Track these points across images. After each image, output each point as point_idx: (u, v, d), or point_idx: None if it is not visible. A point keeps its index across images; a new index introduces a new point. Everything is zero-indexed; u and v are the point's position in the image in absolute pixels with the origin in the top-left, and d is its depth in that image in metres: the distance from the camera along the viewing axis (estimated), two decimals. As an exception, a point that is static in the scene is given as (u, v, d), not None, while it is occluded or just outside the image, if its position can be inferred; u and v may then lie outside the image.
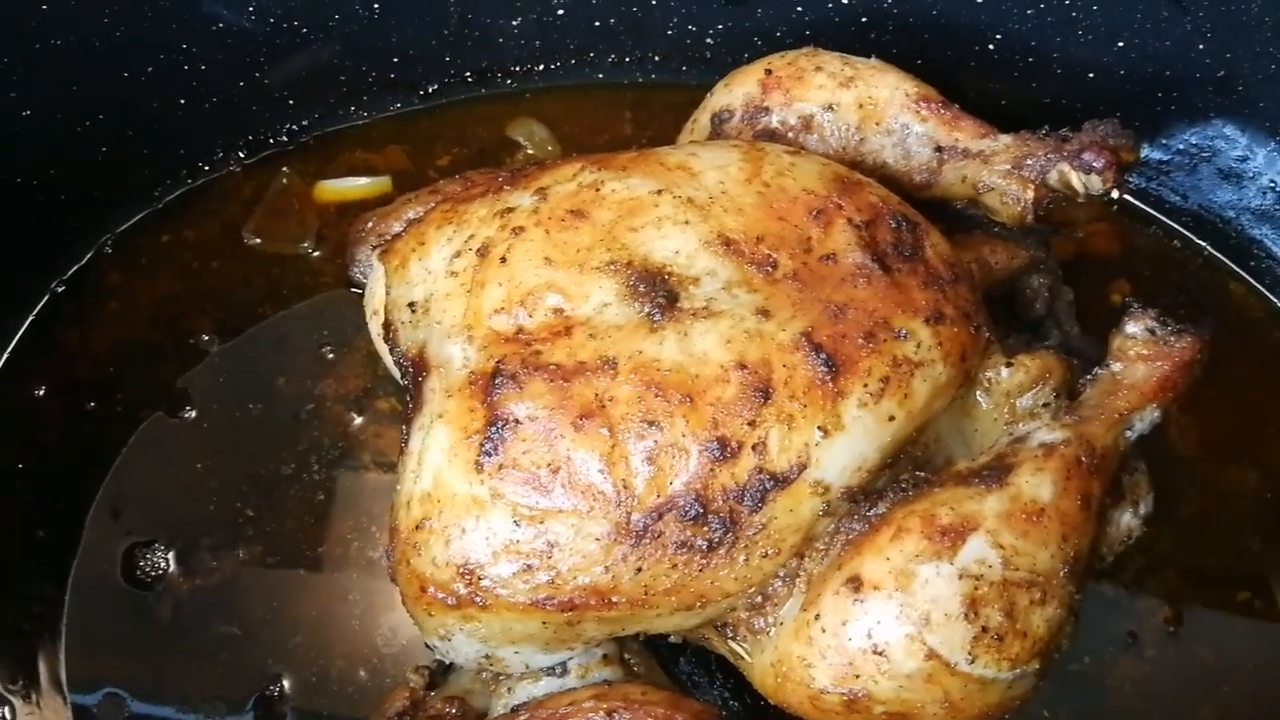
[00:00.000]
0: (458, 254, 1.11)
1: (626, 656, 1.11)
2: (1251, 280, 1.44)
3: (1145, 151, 1.45)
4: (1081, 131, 1.18)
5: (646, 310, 1.03)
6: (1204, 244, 1.47)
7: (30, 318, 1.36)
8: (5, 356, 1.34)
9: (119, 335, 1.37)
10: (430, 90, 1.52)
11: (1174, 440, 1.35)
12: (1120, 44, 1.35)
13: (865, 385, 1.00)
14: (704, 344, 1.01)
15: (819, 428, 0.99)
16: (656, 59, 1.55)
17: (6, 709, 1.16)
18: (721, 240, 1.07)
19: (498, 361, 1.02)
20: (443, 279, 1.10)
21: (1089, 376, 1.13)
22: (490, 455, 0.99)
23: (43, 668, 1.19)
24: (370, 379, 1.33)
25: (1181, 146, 1.42)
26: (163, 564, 1.24)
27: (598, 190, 1.10)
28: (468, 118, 1.53)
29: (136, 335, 1.37)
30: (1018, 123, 1.25)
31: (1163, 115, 1.40)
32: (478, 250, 1.09)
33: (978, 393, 1.12)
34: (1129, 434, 1.09)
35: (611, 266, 1.05)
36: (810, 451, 0.98)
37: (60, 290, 1.38)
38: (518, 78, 1.54)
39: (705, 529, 0.98)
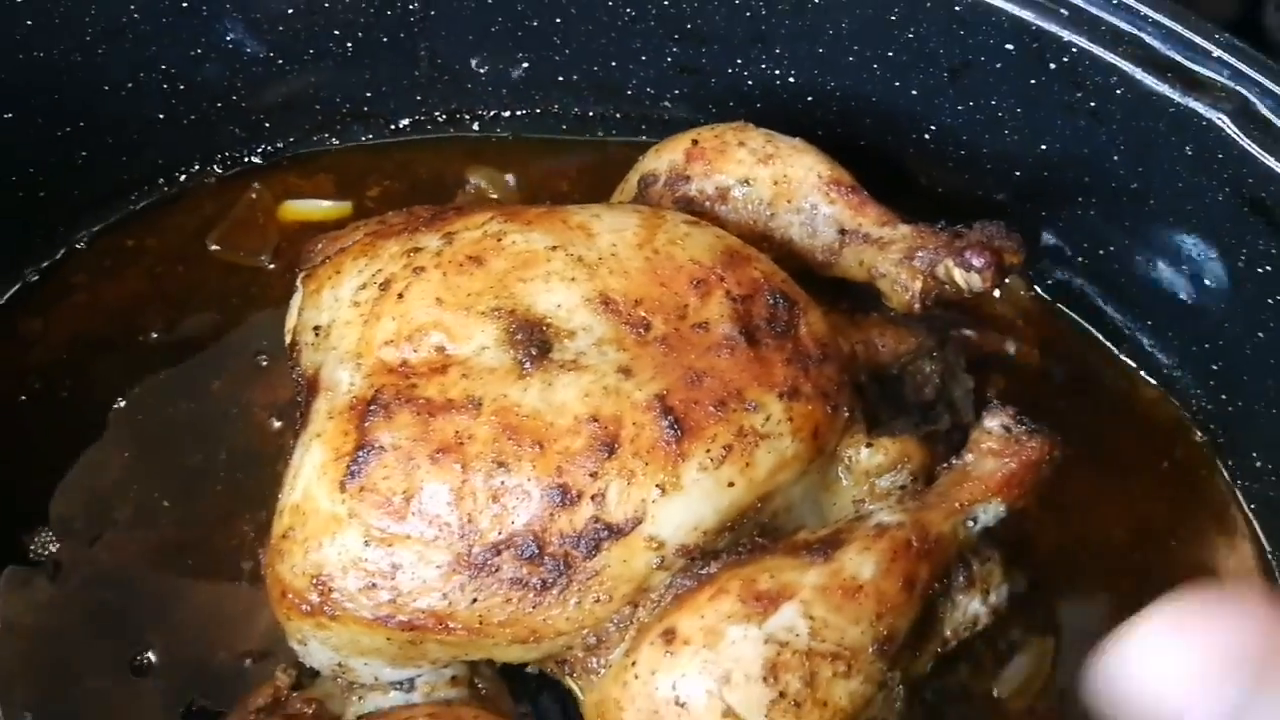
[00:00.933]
0: (363, 286, 1.19)
1: (476, 681, 1.17)
2: (1162, 389, 1.48)
3: (1073, 254, 1.50)
4: (972, 230, 1.24)
5: (520, 357, 1.10)
6: (1116, 350, 1.51)
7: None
8: (-32, 333, 1.45)
9: (77, 327, 1.47)
10: (400, 125, 1.61)
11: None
12: (1043, 147, 1.40)
13: (708, 451, 1.06)
14: (564, 395, 1.08)
15: (658, 485, 1.05)
16: (618, 117, 1.62)
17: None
18: (602, 299, 1.14)
19: (376, 390, 1.10)
20: (346, 307, 1.18)
21: (944, 465, 1.18)
22: (353, 477, 1.07)
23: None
24: (295, 391, 1.41)
25: (1101, 252, 1.47)
26: (68, 538, 1.33)
27: (499, 240, 1.18)
28: (430, 155, 1.61)
29: (93, 329, 1.46)
30: (954, 211, 1.31)
31: (1084, 219, 1.45)
32: (380, 285, 1.17)
33: (838, 469, 1.17)
34: (970, 524, 1.13)
35: (496, 313, 1.13)
36: (647, 507, 1.05)
37: (33, 279, 1.49)
38: (483, 123, 1.62)
39: (540, 568, 1.05)
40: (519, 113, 1.62)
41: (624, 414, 1.07)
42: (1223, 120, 1.23)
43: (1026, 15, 1.29)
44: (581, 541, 1.04)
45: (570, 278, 1.15)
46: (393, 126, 1.61)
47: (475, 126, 1.62)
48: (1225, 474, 1.45)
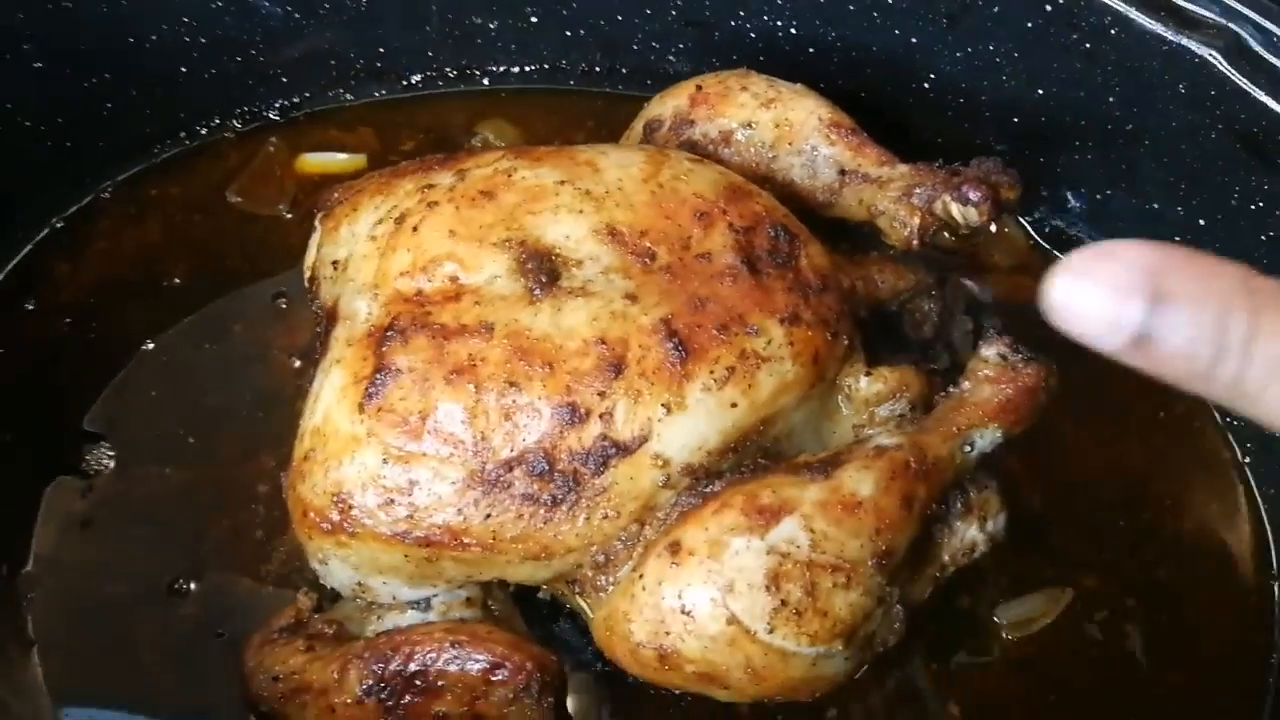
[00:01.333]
0: (379, 221, 1.23)
1: (490, 604, 1.21)
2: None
3: (1071, 201, 1.53)
4: (968, 167, 1.27)
5: (530, 285, 1.15)
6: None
7: (29, 246, 1.51)
8: (2, 276, 1.49)
9: (103, 271, 1.51)
10: (412, 81, 1.65)
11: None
12: (1040, 91, 1.43)
13: (711, 372, 1.10)
14: (573, 319, 1.12)
15: (663, 405, 1.09)
16: (624, 71, 1.66)
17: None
18: (609, 230, 1.18)
19: (393, 318, 1.14)
20: (364, 242, 1.23)
21: (942, 394, 1.22)
22: (372, 398, 1.11)
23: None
24: (314, 333, 1.46)
25: (1099, 196, 1.50)
26: (101, 468, 1.38)
27: (509, 176, 1.22)
28: (442, 109, 1.65)
29: (118, 273, 1.51)
30: (955, 160, 1.34)
31: (1080, 163, 1.48)
32: (395, 219, 1.21)
33: (839, 398, 1.21)
34: (967, 449, 1.17)
35: (507, 243, 1.17)
36: (653, 426, 1.09)
37: (59, 226, 1.54)
38: (494, 77, 1.66)
39: (551, 485, 1.09)
40: (528, 68, 1.66)
41: (630, 336, 1.11)
42: (1215, 57, 1.26)
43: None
44: (590, 458, 1.08)
45: (578, 210, 1.19)
46: (404, 82, 1.66)
47: (485, 82, 1.66)
48: (1218, 418, 1.48)
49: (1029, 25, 1.38)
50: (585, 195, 1.20)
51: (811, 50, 1.54)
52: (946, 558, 1.20)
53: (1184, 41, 1.27)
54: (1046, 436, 1.39)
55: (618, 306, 1.12)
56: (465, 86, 1.66)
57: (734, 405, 1.10)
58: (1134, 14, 1.29)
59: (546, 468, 1.08)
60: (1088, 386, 1.43)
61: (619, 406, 1.08)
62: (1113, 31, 1.32)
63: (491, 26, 1.60)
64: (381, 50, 1.62)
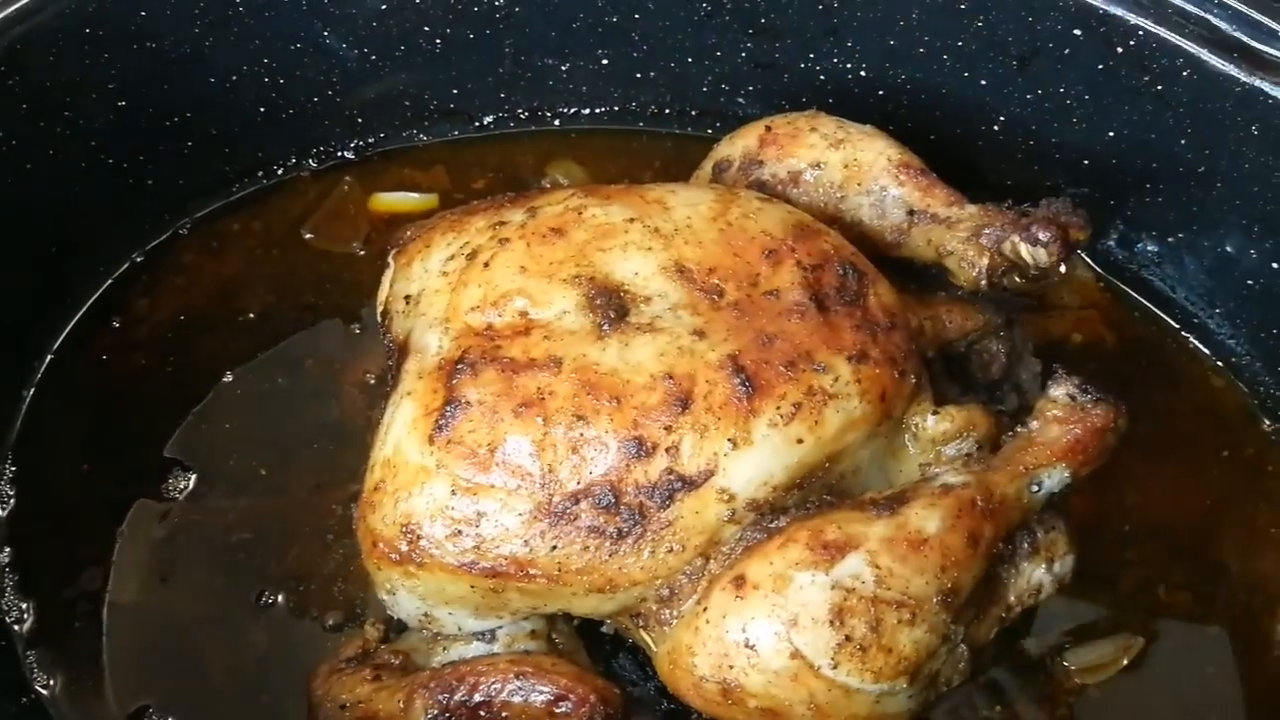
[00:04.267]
0: (451, 257, 1.25)
1: (554, 636, 1.22)
2: (1231, 376, 1.49)
3: (1142, 243, 1.52)
4: (1038, 208, 1.27)
5: (599, 321, 1.16)
6: (1188, 336, 1.52)
7: (109, 281, 1.56)
8: (84, 310, 1.54)
9: (180, 306, 1.55)
10: (485, 122, 1.68)
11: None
12: (1110, 134, 1.43)
13: (778, 408, 1.11)
14: (640, 354, 1.13)
15: (729, 440, 1.09)
16: (693, 114, 1.68)
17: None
18: (677, 267, 1.19)
19: (463, 351, 1.16)
20: (436, 277, 1.25)
21: (1009, 434, 1.21)
22: (441, 430, 1.13)
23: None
24: (386, 367, 1.48)
25: (1171, 239, 1.49)
26: (179, 495, 1.41)
27: (580, 213, 1.24)
28: (512, 149, 1.69)
29: (195, 307, 1.55)
30: (1024, 203, 1.35)
31: (1151, 205, 1.47)
32: (467, 255, 1.24)
33: (905, 436, 1.21)
34: (1035, 489, 1.16)
35: (576, 279, 1.18)
36: (719, 461, 1.09)
37: (139, 260, 1.58)
38: (564, 119, 1.69)
39: (617, 518, 1.09)
40: (598, 109, 1.68)
41: (698, 372, 1.11)
42: (1290, 99, 1.25)
43: (1094, 0, 1.33)
44: (656, 492, 1.08)
45: (647, 247, 1.20)
46: (477, 123, 1.69)
47: (555, 123, 1.69)
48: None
49: (1099, 68, 1.38)
50: (654, 233, 1.21)
51: (881, 92, 1.55)
52: (1012, 598, 1.18)
53: (1257, 83, 1.27)
54: (1115, 478, 1.38)
55: (685, 342, 1.13)
56: (536, 127, 1.69)
57: (800, 441, 1.10)
58: (1206, 55, 1.29)
59: (613, 501, 1.09)
60: (1156, 428, 1.44)
61: (685, 441, 1.09)
62: (1184, 73, 1.32)
63: (563, 69, 1.63)
64: (455, 91, 1.65)
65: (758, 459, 1.09)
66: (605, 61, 1.62)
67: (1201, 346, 1.51)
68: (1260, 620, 1.35)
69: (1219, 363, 1.50)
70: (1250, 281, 1.40)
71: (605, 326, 1.15)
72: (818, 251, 1.22)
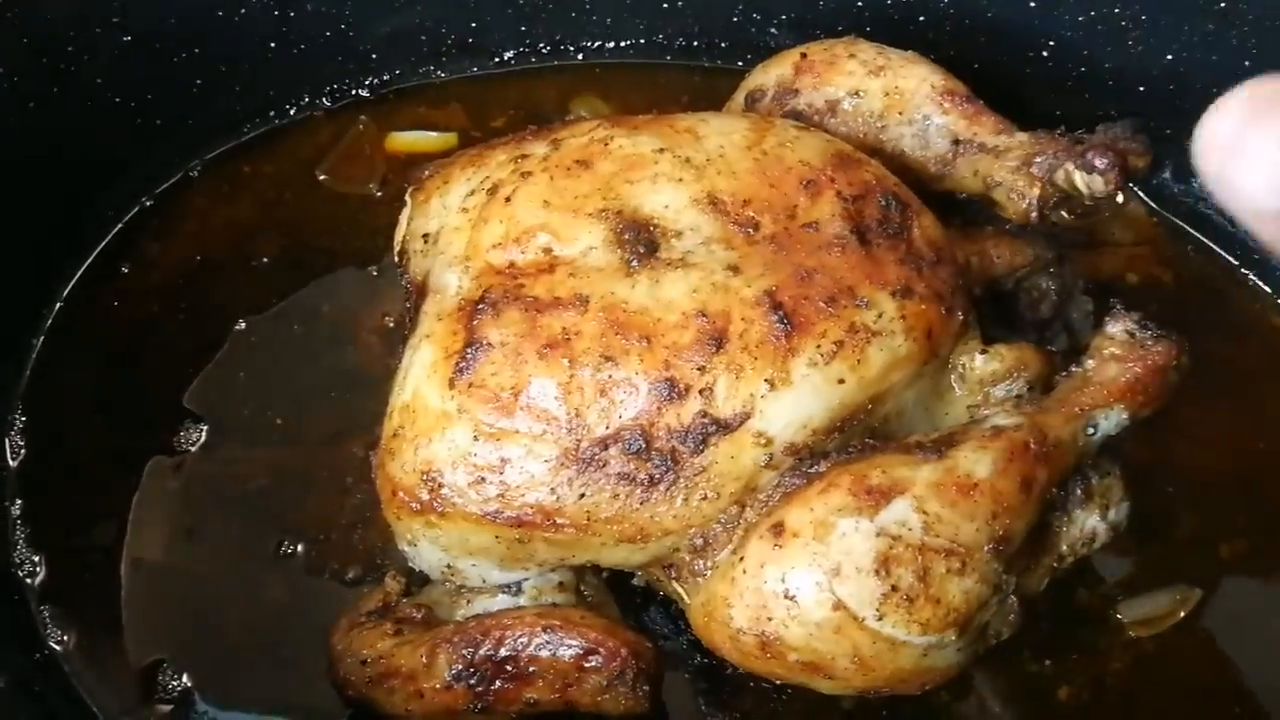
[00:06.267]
0: (471, 193, 1.19)
1: (582, 589, 1.16)
2: (1294, 312, 1.41)
3: (1199, 177, 1.43)
4: (1094, 134, 1.19)
5: (627, 256, 1.09)
6: (1248, 272, 1.44)
7: (119, 226, 1.50)
8: (93, 256, 1.48)
9: (192, 251, 1.50)
10: (505, 57, 1.61)
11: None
12: (1169, 57, 1.34)
13: (818, 346, 1.04)
14: (671, 292, 1.06)
15: (766, 380, 1.03)
16: (723, 45, 1.61)
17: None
18: (710, 199, 1.12)
19: (485, 290, 1.10)
20: (455, 214, 1.19)
21: (1063, 374, 1.14)
22: (462, 373, 1.07)
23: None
24: (404, 312, 1.42)
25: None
26: (193, 446, 1.36)
27: (606, 144, 1.17)
28: (534, 86, 1.61)
29: (208, 252, 1.49)
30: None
31: (1211, 134, 1.38)
32: (488, 190, 1.17)
33: (952, 377, 1.14)
34: (1091, 431, 1.09)
35: (603, 214, 1.12)
36: (755, 402, 1.03)
37: (149, 205, 1.52)
38: (588, 53, 1.62)
39: (648, 464, 1.03)
40: (623, 43, 1.61)
41: (732, 309, 1.05)
42: (1366, 13, 1.17)
43: (1152, -88, 1.24)
44: (689, 437, 1.02)
45: (678, 178, 1.13)
46: (497, 59, 1.62)
47: (579, 57, 1.62)
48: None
49: (1156, -14, 1.30)
50: (685, 163, 1.15)
51: (922, 19, 1.47)
52: (1065, 547, 1.12)
53: (1330, -3, 1.18)
54: (1171, 423, 1.30)
55: (719, 278, 1.07)
56: (558, 62, 1.61)
57: (841, 381, 1.04)
58: (1275, -34, 1.21)
59: (643, 446, 1.03)
60: (1214, 370, 1.36)
61: (720, 382, 1.03)
62: (1253, -13, 1.23)
63: (586, 1, 1.55)
64: (474, 25, 1.58)
65: (797, 400, 1.03)
66: (630, -9, 1.55)
67: (1262, 284, 1.43)
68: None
69: (1280, 300, 1.42)
70: (1317, 213, 1.32)
71: (634, 263, 1.09)
72: (859, 182, 1.15)
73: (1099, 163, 1.15)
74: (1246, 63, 1.28)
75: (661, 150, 1.16)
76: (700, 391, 1.02)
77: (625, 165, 1.15)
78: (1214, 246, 1.46)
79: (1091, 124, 1.38)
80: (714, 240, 1.10)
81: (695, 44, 1.61)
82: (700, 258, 1.09)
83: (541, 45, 1.61)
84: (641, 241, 1.10)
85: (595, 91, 1.61)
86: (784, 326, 1.04)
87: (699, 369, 1.03)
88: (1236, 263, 1.45)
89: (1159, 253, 1.47)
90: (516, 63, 1.62)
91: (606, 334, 1.05)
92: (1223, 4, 1.25)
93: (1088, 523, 1.12)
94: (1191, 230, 1.47)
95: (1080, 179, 1.17)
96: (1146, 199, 1.49)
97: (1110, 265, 1.45)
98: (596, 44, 1.61)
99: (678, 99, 1.61)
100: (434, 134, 1.58)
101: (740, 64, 1.59)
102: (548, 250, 1.11)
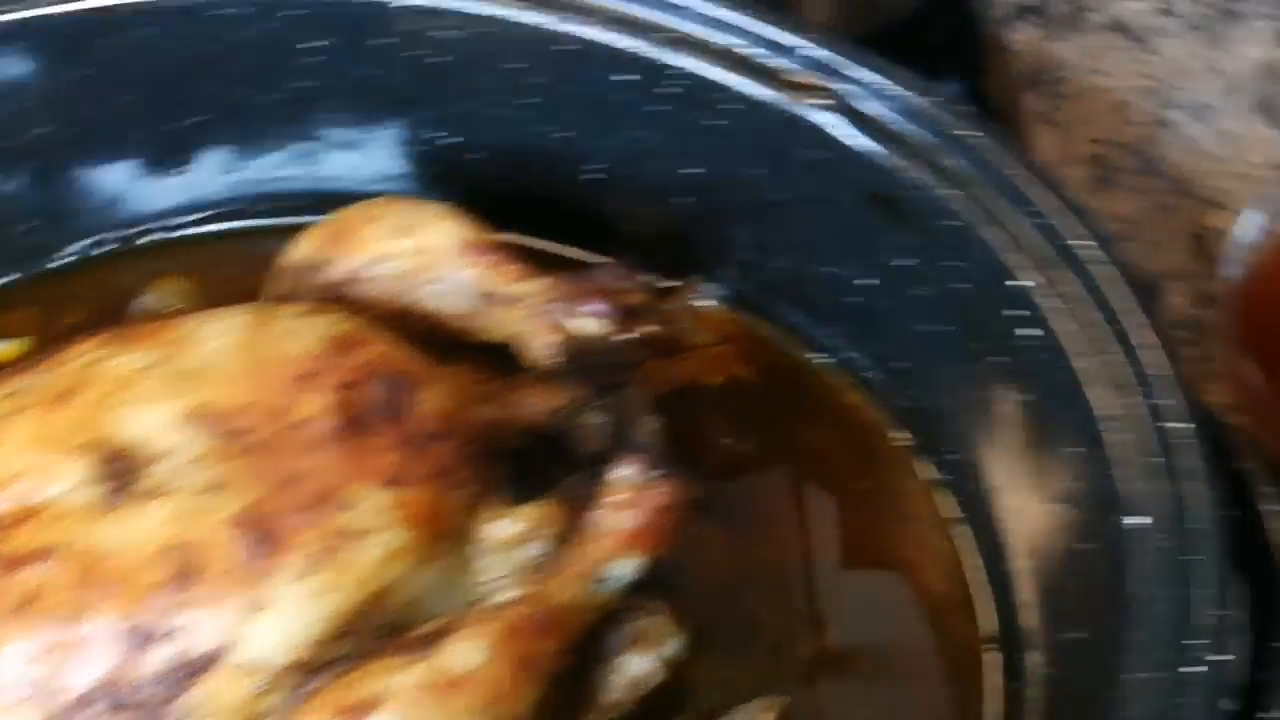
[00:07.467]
0: (-34, 435, 1.13)
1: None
2: (865, 392, 1.43)
3: (752, 269, 1.45)
4: (586, 278, 1.20)
5: (108, 491, 1.05)
6: (818, 357, 1.45)
7: None
8: None
9: None
10: (68, 251, 1.54)
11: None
12: (703, 169, 1.37)
13: (302, 559, 1.01)
14: (145, 525, 1.02)
15: (245, 607, 0.99)
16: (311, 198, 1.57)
17: None
18: (201, 413, 1.08)
19: (-34, 555, 1.05)
20: (-52, 464, 1.13)
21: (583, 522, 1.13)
22: (-57, 646, 1.01)
23: None
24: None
25: (774, 265, 1.41)
26: None
27: (98, 366, 1.13)
28: (113, 272, 1.55)
29: None
30: (644, 245, 1.28)
31: (762, 233, 1.40)
32: (-19, 432, 1.12)
33: (474, 549, 1.12)
34: (600, 585, 1.08)
35: (85, 446, 1.07)
36: (236, 632, 0.99)
37: None
38: (161, 230, 1.57)
39: (135, 717, 0.99)
40: (193, 215, 1.57)
41: (210, 535, 1.01)
42: (830, 121, 1.20)
43: (628, 46, 1.26)
44: (164, 682, 0.98)
45: (166, 395, 1.10)
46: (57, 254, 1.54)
47: (152, 236, 1.57)
48: (926, 472, 1.38)
49: (668, 110, 1.32)
50: (177, 376, 1.11)
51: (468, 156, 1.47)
52: (615, 696, 1.11)
53: (799, 110, 1.21)
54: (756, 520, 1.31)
55: (198, 502, 1.03)
56: (125, 246, 1.56)
57: (329, 591, 1.01)
58: (749, 86, 1.24)
59: (125, 700, 0.98)
60: (797, 460, 1.37)
61: (196, 618, 0.99)
62: (741, 106, 1.26)
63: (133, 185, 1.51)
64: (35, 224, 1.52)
65: (279, 621, 0.99)
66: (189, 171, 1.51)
67: (834, 368, 1.45)
68: (894, 654, 1.30)
69: (850, 381, 1.43)
70: (853, 299, 1.35)
71: (114, 498, 1.05)
72: (357, 366, 1.12)
73: (594, 309, 1.16)
74: (757, 170, 1.31)
75: (151, 366, 1.12)
76: (175, 633, 0.98)
77: (113, 388, 1.10)
78: (786, 336, 1.47)
79: (653, 235, 1.41)
80: (203, 457, 1.06)
81: (280, 203, 1.58)
82: (182, 480, 1.05)
83: (104, 235, 1.55)
84: (122, 472, 1.06)
85: (178, 269, 1.56)
86: (262, 546, 1.01)
87: (172, 608, 0.99)
88: (809, 352, 1.46)
89: (742, 348, 1.48)
90: (85, 251, 1.56)
91: (78, 585, 1.00)
92: (725, 123, 1.28)
93: (634, 666, 1.11)
94: (767, 322, 1.49)
95: (588, 324, 1.17)
96: (719, 299, 1.50)
97: (690, 371, 1.46)
98: (160, 224, 1.56)
99: (264, 261, 1.57)
100: (3, 343, 1.51)
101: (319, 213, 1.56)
102: (28, 496, 1.06)
